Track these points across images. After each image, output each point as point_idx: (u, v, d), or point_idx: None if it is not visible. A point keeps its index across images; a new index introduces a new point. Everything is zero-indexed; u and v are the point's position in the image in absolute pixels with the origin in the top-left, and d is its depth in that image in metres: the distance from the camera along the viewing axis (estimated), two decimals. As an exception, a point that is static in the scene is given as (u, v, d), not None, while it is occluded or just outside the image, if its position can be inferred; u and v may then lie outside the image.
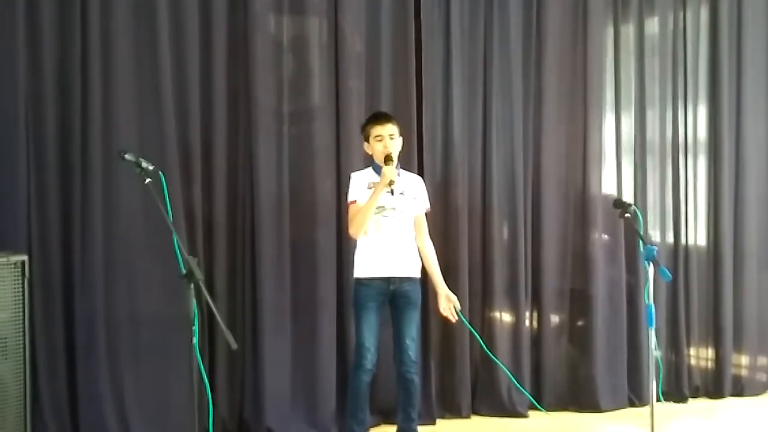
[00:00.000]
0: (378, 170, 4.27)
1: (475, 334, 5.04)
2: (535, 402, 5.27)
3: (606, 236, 5.53)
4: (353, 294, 4.36)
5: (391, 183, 4.14)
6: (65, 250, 4.39)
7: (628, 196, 5.55)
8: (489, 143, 5.32)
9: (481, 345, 5.05)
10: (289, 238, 4.82)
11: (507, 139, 5.37)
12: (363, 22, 5.04)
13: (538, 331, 5.45)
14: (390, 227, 4.28)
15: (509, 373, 5.19)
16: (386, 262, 4.26)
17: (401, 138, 4.38)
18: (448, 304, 4.46)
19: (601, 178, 5.53)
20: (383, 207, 4.25)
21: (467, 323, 5.05)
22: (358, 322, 4.28)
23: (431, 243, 4.52)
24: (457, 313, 4.70)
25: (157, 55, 4.52)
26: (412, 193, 4.40)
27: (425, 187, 4.55)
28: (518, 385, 5.22)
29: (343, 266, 4.72)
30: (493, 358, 5.15)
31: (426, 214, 4.52)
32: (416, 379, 4.34)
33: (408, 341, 4.29)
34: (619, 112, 5.60)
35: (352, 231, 4.27)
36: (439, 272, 4.50)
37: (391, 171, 4.16)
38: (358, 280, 4.33)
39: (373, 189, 4.21)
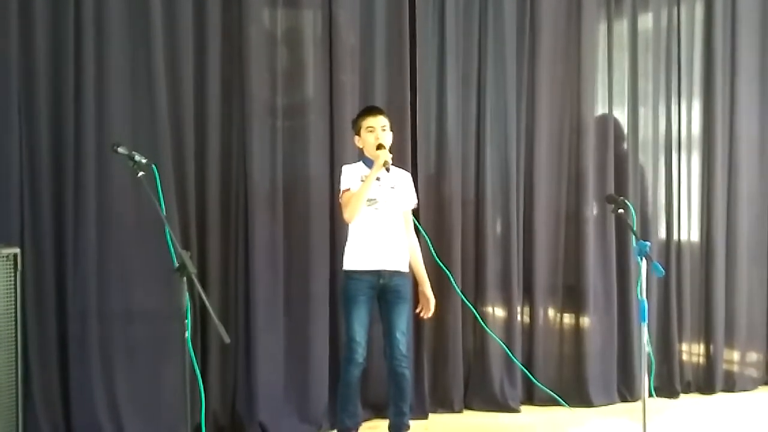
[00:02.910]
0: (368, 163, 4.29)
1: (476, 313, 5.14)
2: (529, 375, 5.31)
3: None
4: (343, 287, 4.37)
5: (386, 164, 4.18)
6: (58, 243, 4.37)
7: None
8: (483, 137, 5.33)
9: (480, 323, 5.18)
10: (283, 232, 4.81)
11: (500, 133, 5.37)
12: (357, 15, 5.03)
13: (530, 326, 5.45)
14: (380, 220, 4.28)
15: (508, 351, 5.24)
16: (376, 255, 4.27)
17: (391, 133, 4.39)
18: (424, 302, 4.49)
19: (594, 173, 5.52)
20: (374, 200, 4.26)
21: (466, 299, 5.09)
22: (348, 316, 4.28)
23: (416, 239, 4.57)
24: (456, 289, 4.96)
25: (151, 48, 4.50)
26: (402, 188, 4.41)
27: (413, 183, 4.59)
28: (525, 370, 5.29)
29: (337, 260, 4.70)
30: (493, 335, 5.22)
31: (413, 210, 4.57)
32: (407, 373, 4.35)
33: (398, 335, 4.30)
34: (612, 107, 5.60)
35: (347, 215, 4.26)
36: (424, 269, 4.53)
37: (385, 153, 4.21)
38: (348, 273, 4.33)
39: (368, 174, 4.23)
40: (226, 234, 4.74)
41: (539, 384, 5.31)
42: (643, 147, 5.73)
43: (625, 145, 5.65)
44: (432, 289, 4.73)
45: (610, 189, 5.47)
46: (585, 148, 5.51)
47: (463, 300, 5.14)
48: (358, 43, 5.04)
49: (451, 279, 5.05)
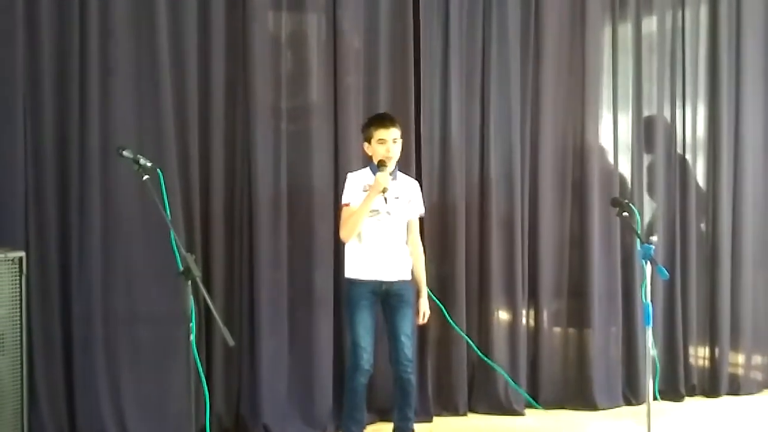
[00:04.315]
0: (375, 170, 4.26)
1: (469, 341, 5.13)
2: (532, 401, 5.30)
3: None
4: (346, 293, 4.37)
5: (384, 191, 4.15)
6: (63, 246, 4.39)
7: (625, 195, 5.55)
8: (487, 140, 5.32)
9: (475, 350, 5.16)
10: (287, 235, 4.81)
11: (505, 137, 5.36)
12: (361, 18, 5.04)
13: (534, 329, 5.44)
14: (383, 231, 4.27)
15: (506, 375, 5.23)
16: (378, 265, 4.26)
17: (402, 140, 4.38)
18: (418, 312, 4.48)
19: (598, 177, 5.52)
20: (377, 211, 4.24)
21: (459, 330, 5.08)
22: (353, 322, 4.27)
23: (421, 247, 4.55)
24: (449, 320, 4.94)
25: (156, 51, 4.52)
26: (407, 197, 4.40)
27: (421, 192, 4.57)
28: (515, 385, 5.25)
29: (341, 263, 4.69)
30: (489, 362, 5.19)
31: (420, 218, 4.56)
32: (413, 378, 4.33)
33: (403, 338, 4.28)
34: (617, 110, 5.60)
35: (344, 235, 4.27)
36: (424, 279, 4.52)
37: (384, 178, 4.17)
38: (350, 280, 4.32)
39: (368, 192, 4.21)
40: (230, 237, 4.74)
41: (522, 391, 5.30)
42: (648, 150, 5.72)
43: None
44: (436, 292, 4.74)
45: (615, 192, 5.46)
46: (590, 152, 5.50)
47: (463, 335, 5.13)
48: (362, 46, 5.05)
49: (447, 315, 5.03)
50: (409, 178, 4.54)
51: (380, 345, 4.51)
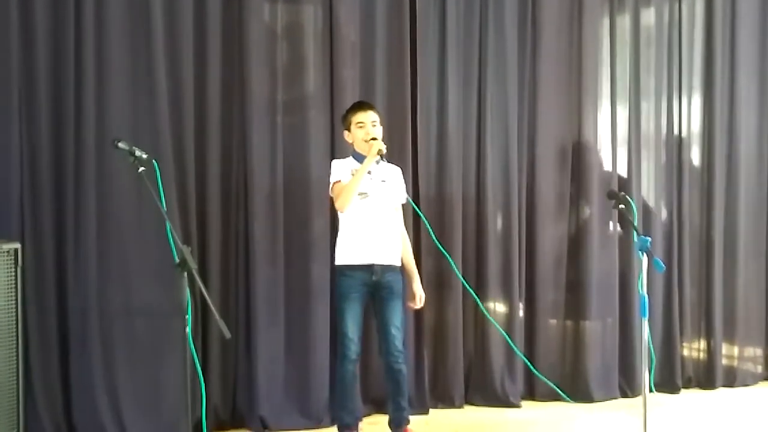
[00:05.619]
0: (358, 158, 4.30)
1: (475, 296, 5.16)
2: (562, 393, 5.32)
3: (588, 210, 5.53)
4: (337, 284, 4.37)
5: (380, 151, 4.20)
6: (58, 238, 4.37)
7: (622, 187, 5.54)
8: (484, 133, 5.32)
9: (507, 340, 5.21)
10: (283, 228, 4.81)
11: (502, 129, 5.36)
12: (358, 11, 5.02)
13: (531, 321, 5.44)
14: (372, 214, 4.28)
15: (509, 339, 5.25)
16: (368, 248, 4.26)
17: (381, 127, 4.38)
18: (412, 297, 4.49)
19: (595, 169, 5.52)
20: (365, 194, 4.26)
21: (467, 284, 5.09)
22: (342, 313, 4.29)
23: (406, 234, 4.56)
24: (457, 274, 4.95)
25: (151, 44, 4.50)
26: (393, 182, 4.41)
27: (403, 179, 4.56)
28: (540, 376, 5.30)
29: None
30: (495, 323, 5.22)
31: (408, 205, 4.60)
32: (404, 369, 4.33)
33: (394, 331, 4.29)
34: (615, 102, 5.59)
35: (339, 203, 4.25)
36: (414, 264, 4.53)
37: (378, 143, 4.22)
38: (340, 268, 4.33)
39: (357, 171, 4.24)
40: (226, 229, 4.74)
41: (542, 376, 5.32)
42: (645, 142, 5.72)
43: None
44: (433, 284, 4.73)
45: (613, 184, 5.46)
46: (587, 143, 5.50)
47: (465, 286, 5.13)
48: (358, 38, 5.04)
49: (452, 264, 5.04)
50: (392, 165, 4.52)
51: (374, 336, 4.51)
